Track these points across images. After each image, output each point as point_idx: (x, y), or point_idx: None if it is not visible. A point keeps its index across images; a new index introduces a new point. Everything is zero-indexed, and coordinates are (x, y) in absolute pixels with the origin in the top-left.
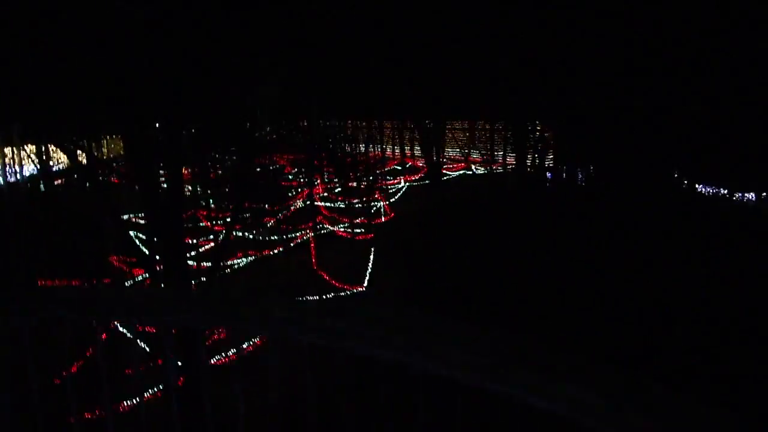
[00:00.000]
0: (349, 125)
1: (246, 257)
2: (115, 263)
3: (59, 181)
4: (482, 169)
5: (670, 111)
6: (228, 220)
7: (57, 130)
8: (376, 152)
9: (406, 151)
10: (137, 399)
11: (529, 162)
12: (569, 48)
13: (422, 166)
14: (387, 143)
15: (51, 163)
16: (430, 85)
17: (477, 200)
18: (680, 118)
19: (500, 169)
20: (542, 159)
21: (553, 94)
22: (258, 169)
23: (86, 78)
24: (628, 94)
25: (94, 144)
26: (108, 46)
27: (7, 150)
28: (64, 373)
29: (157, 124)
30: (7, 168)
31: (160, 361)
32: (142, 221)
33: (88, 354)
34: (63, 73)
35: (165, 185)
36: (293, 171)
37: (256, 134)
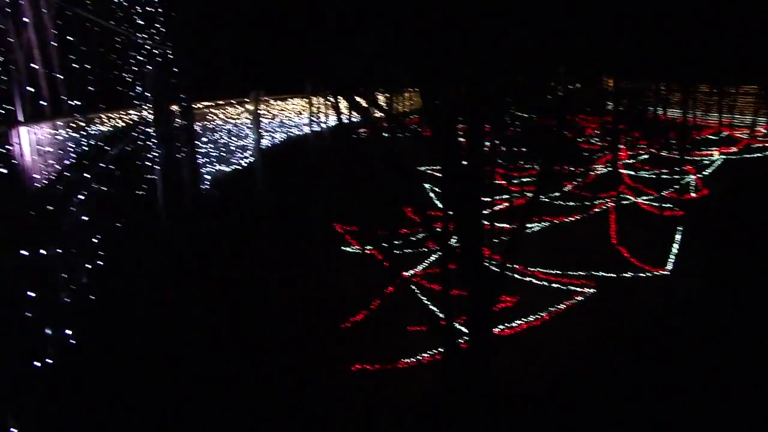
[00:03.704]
0: (663, 87)
1: (540, 222)
2: (409, 214)
3: (363, 130)
4: None
5: None
6: (524, 180)
7: (351, 83)
8: (689, 119)
9: (723, 120)
10: (417, 357)
11: None
12: None
13: (741, 138)
14: (701, 109)
15: (350, 115)
16: None
17: None
18: None
19: None
20: None
21: None
22: (557, 130)
23: (386, 29)
24: None
25: (392, 96)
26: None
27: (315, 101)
28: (350, 320)
29: (456, 77)
30: (314, 118)
31: (443, 323)
32: (437, 174)
33: (373, 306)
34: (362, 22)
35: (461, 140)
36: (595, 133)
37: (559, 91)
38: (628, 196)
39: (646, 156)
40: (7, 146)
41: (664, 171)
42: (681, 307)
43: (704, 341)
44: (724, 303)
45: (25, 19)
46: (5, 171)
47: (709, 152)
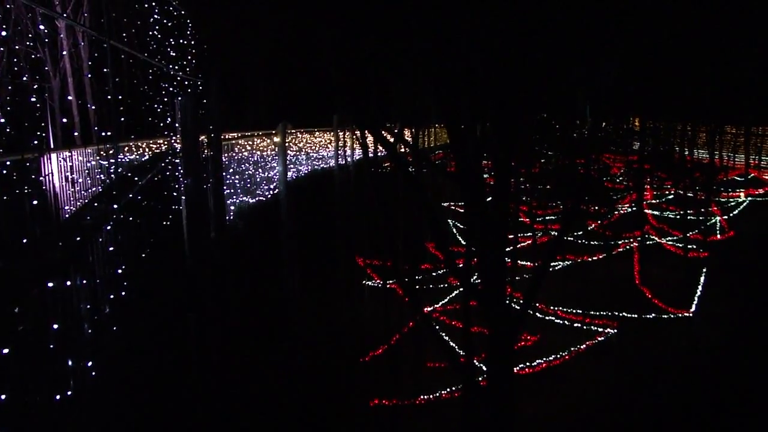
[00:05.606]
0: (688, 127)
1: (563, 261)
2: (431, 249)
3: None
4: None
5: None
6: (548, 218)
7: (378, 118)
8: (716, 160)
9: (751, 161)
10: (435, 394)
11: None
12: None
13: None
14: (728, 150)
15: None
16: None
17: None
18: None
19: None
20: None
21: None
22: (582, 168)
23: (416, 68)
24: None
25: (418, 131)
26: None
27: (341, 134)
28: (370, 354)
29: (482, 114)
30: (340, 151)
31: (462, 359)
32: (460, 210)
33: (392, 341)
34: (393, 60)
35: (486, 176)
36: (620, 172)
37: (584, 130)
38: (653, 237)
39: (671, 196)
40: (37, 173)
41: (689, 212)
42: (703, 350)
43: (726, 386)
44: (747, 347)
45: (63, 51)
46: (35, 200)
47: (735, 193)
